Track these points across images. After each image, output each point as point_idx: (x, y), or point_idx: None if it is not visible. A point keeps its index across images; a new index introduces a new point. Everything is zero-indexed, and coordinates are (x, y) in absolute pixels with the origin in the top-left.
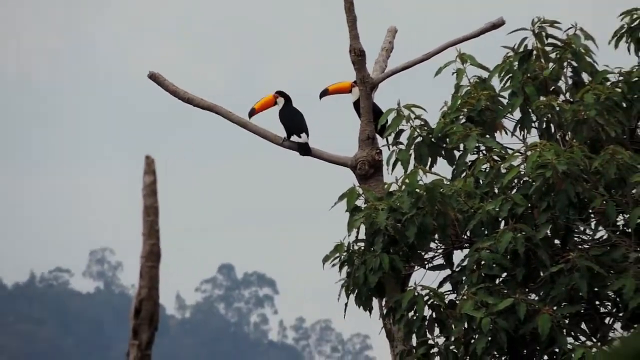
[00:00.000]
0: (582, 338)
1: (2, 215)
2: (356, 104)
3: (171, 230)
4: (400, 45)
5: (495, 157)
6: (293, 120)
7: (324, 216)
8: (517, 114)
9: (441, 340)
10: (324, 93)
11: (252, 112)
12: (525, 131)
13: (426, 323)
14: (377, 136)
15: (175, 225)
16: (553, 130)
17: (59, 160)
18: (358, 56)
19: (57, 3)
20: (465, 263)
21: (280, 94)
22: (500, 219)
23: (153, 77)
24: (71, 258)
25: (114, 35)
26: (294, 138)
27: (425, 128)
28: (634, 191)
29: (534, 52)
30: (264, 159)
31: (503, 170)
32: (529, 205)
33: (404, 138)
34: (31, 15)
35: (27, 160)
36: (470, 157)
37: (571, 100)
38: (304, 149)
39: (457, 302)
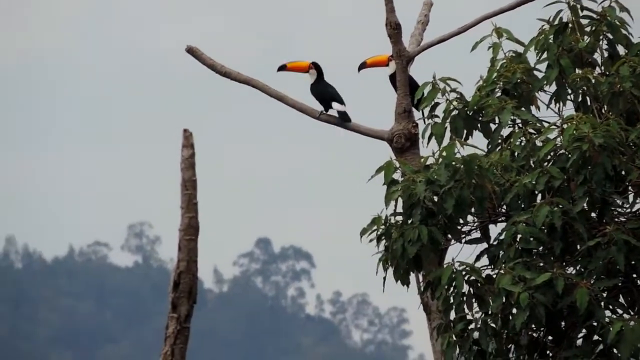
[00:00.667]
0: (620, 311)
1: (40, 190)
2: (392, 77)
3: (208, 204)
4: (435, 18)
5: (531, 130)
6: (328, 92)
7: (361, 189)
8: (552, 87)
9: (479, 315)
10: (362, 66)
11: (283, 68)
12: (561, 104)
13: (464, 298)
14: (414, 109)
15: (213, 199)
16: (589, 103)
17: (97, 134)
18: (394, 29)
19: None
20: (502, 237)
21: (315, 66)
22: (536, 193)
23: (191, 51)
24: (110, 232)
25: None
26: (332, 109)
27: (461, 101)
28: None
29: (569, 25)
30: (300, 133)
31: (539, 144)
32: (566, 178)
33: (439, 111)
34: None
35: (65, 135)
36: (506, 131)
37: (607, 72)
38: (346, 117)
39: (495, 276)
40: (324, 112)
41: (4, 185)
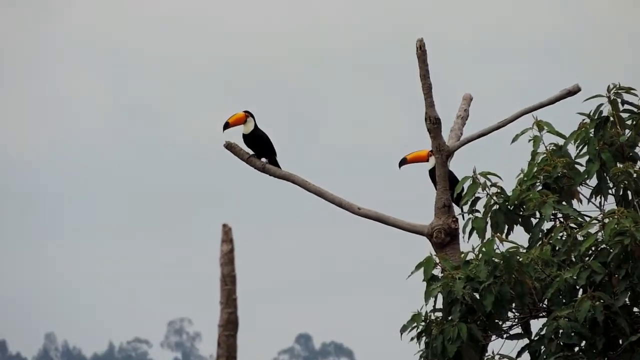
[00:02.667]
0: None
1: (80, 285)
2: (432, 172)
3: (248, 299)
4: (475, 112)
5: (572, 225)
6: (271, 141)
7: (401, 285)
8: (593, 181)
9: None
10: (403, 162)
11: (227, 126)
12: (602, 198)
13: None
14: (453, 204)
15: (252, 294)
16: (630, 197)
17: (137, 230)
18: (433, 124)
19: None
20: (543, 332)
21: (250, 114)
22: (578, 287)
23: (229, 146)
24: (149, 328)
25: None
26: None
27: (502, 195)
28: None
29: (610, 119)
30: (340, 226)
31: (580, 238)
32: (607, 273)
33: (480, 206)
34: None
35: (103, 229)
36: (547, 225)
37: None
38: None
39: None
40: (268, 161)
41: (43, 280)
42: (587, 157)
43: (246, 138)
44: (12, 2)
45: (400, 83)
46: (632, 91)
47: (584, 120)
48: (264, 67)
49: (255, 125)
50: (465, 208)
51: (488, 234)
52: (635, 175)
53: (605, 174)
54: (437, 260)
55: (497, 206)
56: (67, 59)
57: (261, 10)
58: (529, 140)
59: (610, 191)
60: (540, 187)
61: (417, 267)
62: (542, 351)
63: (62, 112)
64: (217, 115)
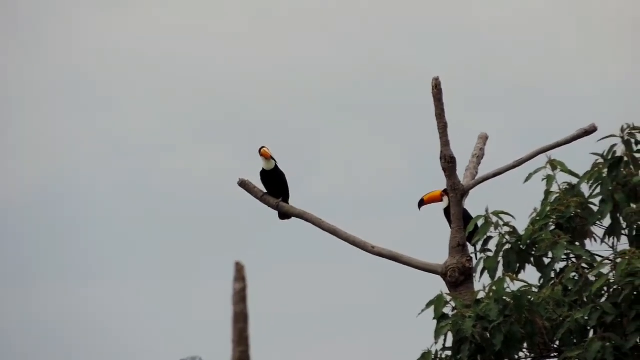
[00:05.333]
0: None
1: (87, 325)
2: (446, 211)
3: (260, 337)
4: (490, 150)
5: (584, 265)
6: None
7: (411, 323)
8: (607, 221)
9: None
10: (421, 203)
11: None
12: (615, 239)
13: None
14: (468, 243)
15: (264, 332)
16: None
17: (143, 267)
18: (449, 163)
19: None
20: None
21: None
22: (589, 328)
23: (243, 184)
24: None
25: None
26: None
27: (514, 235)
28: None
29: (624, 159)
30: (351, 264)
31: (592, 278)
32: (618, 313)
33: (492, 245)
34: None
35: (111, 268)
36: (559, 265)
37: None
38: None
39: None
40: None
41: (50, 320)
42: (600, 197)
43: (267, 174)
44: None
45: (414, 120)
46: None
47: (597, 160)
48: (266, 106)
49: (276, 163)
50: (478, 247)
51: (499, 274)
52: None
53: (618, 215)
54: (448, 299)
55: (509, 245)
56: (50, 96)
57: (246, 48)
58: (543, 180)
59: (623, 232)
60: (553, 227)
61: (428, 305)
62: None
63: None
64: (223, 150)
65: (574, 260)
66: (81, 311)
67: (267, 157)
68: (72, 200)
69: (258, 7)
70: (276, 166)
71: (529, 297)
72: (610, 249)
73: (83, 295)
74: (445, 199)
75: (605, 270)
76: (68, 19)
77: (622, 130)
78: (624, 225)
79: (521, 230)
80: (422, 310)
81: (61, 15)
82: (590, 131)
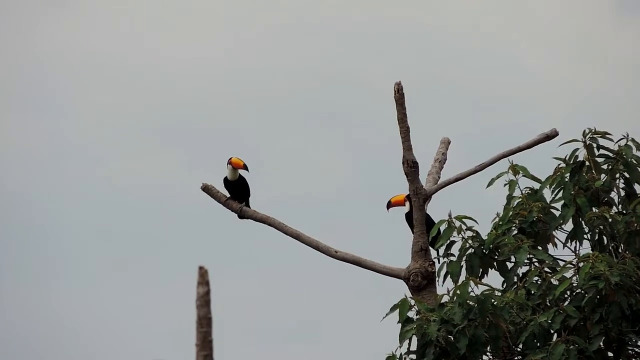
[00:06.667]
0: None
1: (52, 330)
2: (408, 215)
3: (223, 341)
4: (453, 156)
5: (547, 269)
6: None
7: (375, 327)
8: (569, 226)
9: None
10: (389, 205)
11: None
12: (577, 243)
13: None
14: (430, 248)
15: (227, 336)
16: (605, 241)
17: (107, 272)
18: (411, 167)
19: None
20: None
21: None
22: (552, 331)
23: (206, 189)
24: None
25: None
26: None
27: (477, 239)
28: None
29: (586, 164)
30: (313, 269)
31: (555, 282)
32: (582, 317)
33: (455, 249)
34: None
35: (77, 272)
36: (522, 269)
37: (623, 211)
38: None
39: None
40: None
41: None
42: (562, 202)
43: (232, 183)
44: None
45: (377, 125)
46: (607, 136)
47: (559, 164)
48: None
49: (248, 171)
50: (441, 252)
51: (462, 278)
52: (610, 220)
53: (580, 219)
54: (412, 303)
55: (472, 250)
56: None
57: (201, 53)
58: (505, 185)
59: (585, 236)
60: (515, 232)
61: (392, 309)
62: None
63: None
64: (171, 158)
65: (536, 264)
66: (40, 316)
67: (240, 166)
68: (29, 207)
69: (211, 14)
70: (240, 176)
71: (493, 300)
72: (572, 253)
73: (44, 301)
74: (407, 203)
75: (568, 274)
76: (11, 22)
77: (584, 134)
78: (586, 229)
79: (484, 235)
80: (387, 314)
81: (4, 17)
82: (551, 135)
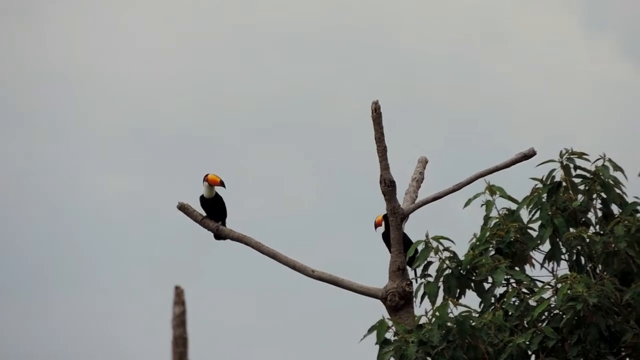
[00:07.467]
0: None
1: (29, 343)
2: (384, 235)
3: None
4: (430, 175)
5: (525, 290)
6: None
7: (354, 348)
8: (546, 246)
9: None
10: (376, 225)
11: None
12: (555, 263)
13: None
14: (408, 267)
15: (204, 357)
16: (583, 262)
17: (82, 289)
18: (388, 187)
19: None
20: None
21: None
22: (530, 353)
23: (182, 207)
24: None
25: None
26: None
27: (454, 260)
28: None
29: (563, 184)
30: (290, 288)
31: (533, 303)
32: (560, 338)
33: (432, 270)
34: None
35: (57, 286)
36: (500, 290)
37: (601, 232)
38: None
39: None
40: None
41: None
42: (540, 222)
43: (208, 201)
44: None
45: (355, 145)
46: (584, 156)
47: (536, 185)
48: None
49: (225, 187)
50: (418, 272)
51: (440, 299)
52: (588, 240)
53: (558, 239)
54: (390, 324)
55: (450, 270)
56: None
57: (169, 69)
58: (482, 205)
59: (563, 256)
60: (493, 252)
61: (370, 330)
62: None
63: None
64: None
65: (514, 285)
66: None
67: (217, 183)
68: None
69: (181, 25)
70: (217, 194)
71: (472, 322)
72: (550, 274)
73: (38, 312)
74: (384, 223)
75: (546, 295)
76: None
77: (561, 155)
78: (564, 249)
79: (461, 255)
80: (365, 336)
81: None
82: (529, 155)
